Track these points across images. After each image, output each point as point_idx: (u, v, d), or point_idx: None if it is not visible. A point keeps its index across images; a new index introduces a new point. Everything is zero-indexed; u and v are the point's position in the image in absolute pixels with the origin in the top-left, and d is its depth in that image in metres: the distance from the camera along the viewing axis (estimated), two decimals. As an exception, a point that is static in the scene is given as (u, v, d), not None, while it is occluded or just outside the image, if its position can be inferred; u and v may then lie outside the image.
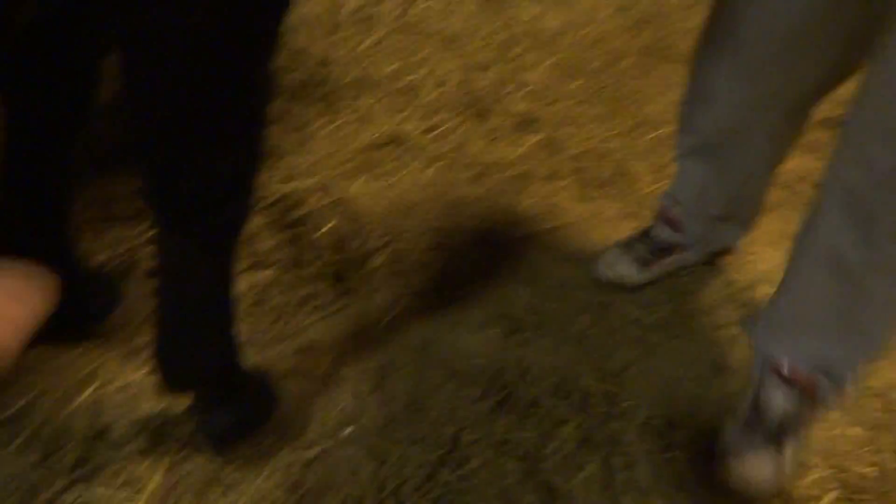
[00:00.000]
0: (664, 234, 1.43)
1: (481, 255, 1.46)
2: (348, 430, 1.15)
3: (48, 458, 1.05)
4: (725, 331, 1.39)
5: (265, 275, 1.34)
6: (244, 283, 1.31)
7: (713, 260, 1.49)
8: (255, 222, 1.41)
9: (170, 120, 0.80)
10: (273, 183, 1.49)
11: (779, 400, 1.14)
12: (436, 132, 1.69)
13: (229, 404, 1.06)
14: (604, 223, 1.57)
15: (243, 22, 0.76)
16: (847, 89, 1.10)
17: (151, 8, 0.72)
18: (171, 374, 1.00)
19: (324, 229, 1.43)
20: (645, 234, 1.46)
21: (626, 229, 1.53)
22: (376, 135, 1.65)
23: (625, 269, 1.43)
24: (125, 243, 1.34)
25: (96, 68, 0.97)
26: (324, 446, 1.13)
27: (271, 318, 1.28)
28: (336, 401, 1.19)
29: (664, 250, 1.43)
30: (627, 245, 1.45)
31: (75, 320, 1.19)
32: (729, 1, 1.17)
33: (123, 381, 1.16)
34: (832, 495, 1.15)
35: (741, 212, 1.41)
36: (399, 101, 1.75)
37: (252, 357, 1.22)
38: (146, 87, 0.79)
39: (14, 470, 1.03)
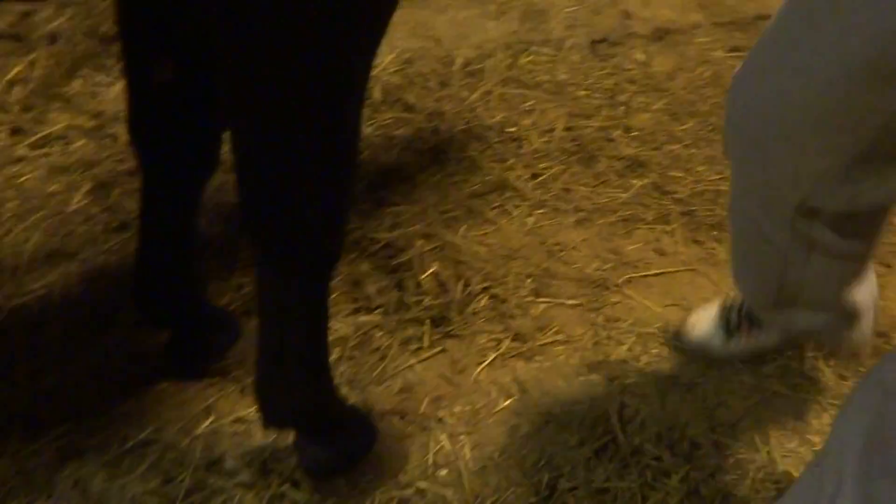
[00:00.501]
0: None
1: (583, 299, 1.44)
2: (444, 472, 1.15)
3: (166, 485, 1.13)
4: (852, 381, 1.28)
5: (369, 318, 1.38)
6: (349, 326, 1.36)
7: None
8: (361, 267, 1.47)
9: (262, 155, 0.86)
10: (379, 230, 1.55)
11: None
12: (540, 179, 1.71)
13: (328, 440, 1.10)
14: (714, 267, 1.51)
15: (328, 73, 0.82)
16: None
17: (251, 62, 0.79)
18: (269, 410, 1.05)
19: (426, 274, 1.46)
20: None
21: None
22: (481, 183, 1.69)
23: (709, 336, 1.30)
24: (246, 287, 1.43)
25: (221, 124, 1.05)
26: (419, 487, 1.13)
27: (374, 359, 1.32)
28: (433, 442, 1.20)
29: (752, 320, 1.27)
30: (722, 309, 1.31)
31: (197, 357, 1.28)
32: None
33: (238, 416, 1.23)
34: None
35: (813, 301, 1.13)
36: (505, 150, 1.78)
37: (353, 397, 1.26)
38: (243, 121, 0.86)
39: (135, 495, 1.11)
